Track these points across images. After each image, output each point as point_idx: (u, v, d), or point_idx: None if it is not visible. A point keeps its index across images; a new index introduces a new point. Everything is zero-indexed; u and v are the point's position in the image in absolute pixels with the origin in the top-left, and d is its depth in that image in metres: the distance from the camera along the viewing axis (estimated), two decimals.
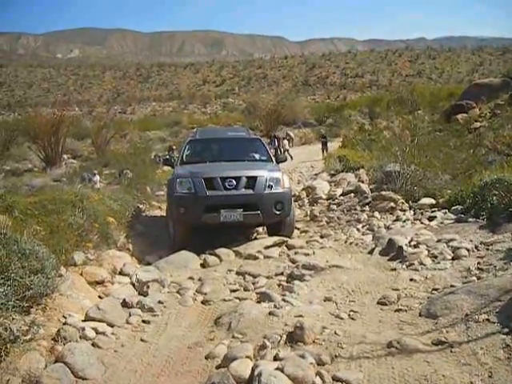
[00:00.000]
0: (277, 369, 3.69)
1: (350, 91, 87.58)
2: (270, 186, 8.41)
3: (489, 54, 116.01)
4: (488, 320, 4.21)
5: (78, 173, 19.58)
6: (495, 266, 5.46)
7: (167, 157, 10.77)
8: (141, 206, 12.47)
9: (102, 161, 24.03)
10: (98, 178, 17.38)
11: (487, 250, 6.19)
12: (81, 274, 6.44)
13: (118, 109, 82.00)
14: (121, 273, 7.06)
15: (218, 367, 4.17)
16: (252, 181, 8.35)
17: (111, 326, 5.17)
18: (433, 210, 9.18)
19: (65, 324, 4.92)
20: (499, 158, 12.41)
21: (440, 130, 20.76)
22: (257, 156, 10.05)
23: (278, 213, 8.42)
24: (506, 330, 3.97)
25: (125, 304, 5.75)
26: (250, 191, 8.31)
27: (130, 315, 5.51)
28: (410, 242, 7.11)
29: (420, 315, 4.77)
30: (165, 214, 10.57)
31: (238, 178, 8.31)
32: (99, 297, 6.06)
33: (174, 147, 31.76)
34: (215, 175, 8.35)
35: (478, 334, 4.05)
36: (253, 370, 3.79)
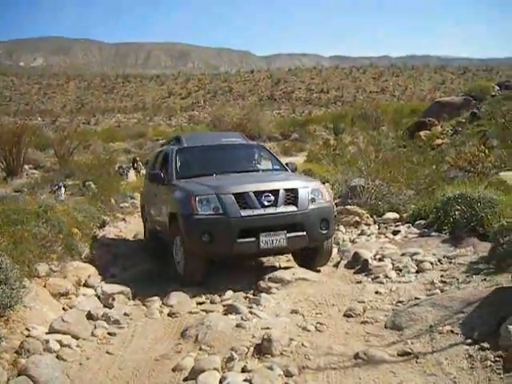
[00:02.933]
0: (245, 380, 3.71)
1: (315, 106, 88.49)
2: (313, 200, 6.88)
3: (450, 72, 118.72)
4: (452, 331, 4.31)
5: (39, 184, 19.28)
6: (458, 279, 5.59)
7: (155, 170, 8.80)
8: (105, 218, 12.34)
9: (64, 172, 23.68)
10: (63, 189, 17.14)
11: (450, 263, 6.33)
12: (44, 286, 6.33)
13: (81, 119, 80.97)
14: (85, 285, 6.97)
15: (185, 379, 4.15)
16: (292, 194, 6.77)
17: (76, 338, 5.10)
18: (397, 224, 9.35)
19: (28, 336, 4.86)
20: (461, 174, 12.69)
21: (404, 146, 21.11)
22: (267, 165, 8.59)
23: (324, 232, 6.86)
24: (469, 340, 4.07)
25: (90, 316, 5.69)
26: (293, 208, 6.69)
27: (95, 327, 5.44)
28: (375, 256, 7.22)
29: (385, 327, 4.85)
30: (143, 234, 10.33)
31: (275, 192, 6.69)
32: (63, 309, 5.97)
33: (138, 159, 31.59)
34: (247, 189, 6.65)
35: (442, 345, 4.14)
36: (221, 382, 3.79)
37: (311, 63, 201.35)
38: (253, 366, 4.09)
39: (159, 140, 51.05)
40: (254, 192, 6.60)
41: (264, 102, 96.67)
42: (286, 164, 8.58)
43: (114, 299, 6.32)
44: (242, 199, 6.53)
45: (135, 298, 6.62)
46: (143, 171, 29.65)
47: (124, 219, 13.96)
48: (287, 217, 6.60)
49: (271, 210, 6.55)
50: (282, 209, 6.61)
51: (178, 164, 8.07)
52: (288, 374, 3.94)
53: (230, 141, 9.19)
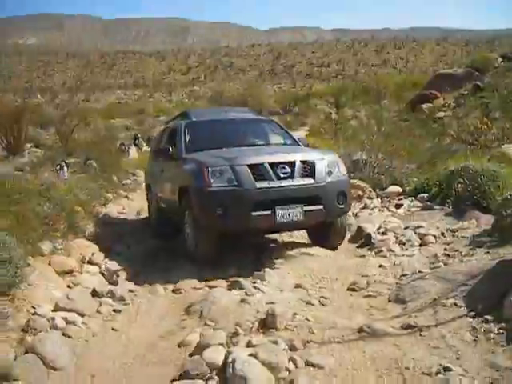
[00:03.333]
0: (250, 355, 3.72)
1: (316, 80, 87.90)
2: (330, 173, 6.61)
3: (452, 44, 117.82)
4: (455, 304, 4.32)
5: (41, 162, 19.24)
6: (461, 252, 5.60)
7: (162, 146, 8.57)
8: (108, 195, 12.36)
9: (66, 150, 23.65)
10: (66, 169, 17.12)
11: (453, 236, 6.34)
12: (49, 264, 6.32)
13: (81, 97, 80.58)
14: (89, 262, 6.95)
15: (190, 355, 4.16)
16: (309, 167, 6.48)
17: (81, 315, 5.11)
18: (399, 197, 9.36)
19: (34, 314, 4.86)
20: (463, 146, 12.64)
21: (405, 119, 21.01)
22: (279, 140, 8.25)
23: (341, 207, 6.60)
24: (473, 313, 4.08)
25: (95, 293, 5.71)
26: (310, 180, 6.41)
27: (100, 304, 5.46)
28: (378, 229, 7.24)
29: (389, 301, 4.87)
30: (147, 211, 10.21)
31: (291, 164, 6.40)
32: (68, 286, 5.97)
33: (140, 135, 31.50)
34: (262, 161, 6.35)
35: (445, 318, 4.15)
36: (226, 356, 3.81)
37: (312, 37, 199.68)
38: (258, 340, 4.10)
39: (160, 116, 51.06)
40: (270, 163, 6.31)
41: (265, 76, 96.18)
42: (298, 139, 8.35)
43: (118, 276, 6.36)
44: (256, 171, 6.24)
45: (140, 275, 6.65)
46: (145, 148, 29.65)
47: (127, 196, 14.00)
48: (304, 189, 6.34)
49: (287, 183, 6.28)
50: (298, 181, 6.35)
51: (187, 138, 7.74)
52: (293, 348, 3.96)
53: (240, 115, 8.99)
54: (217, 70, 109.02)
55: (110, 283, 6.21)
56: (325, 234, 6.99)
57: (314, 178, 6.42)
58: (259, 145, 7.90)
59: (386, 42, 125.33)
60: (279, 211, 6.13)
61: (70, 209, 8.04)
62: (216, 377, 3.68)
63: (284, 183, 6.25)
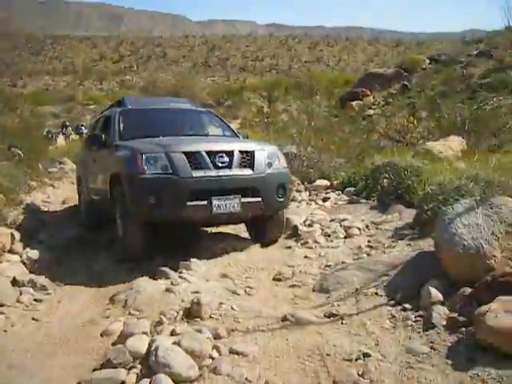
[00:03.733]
0: (174, 343, 3.69)
1: (250, 74, 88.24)
2: (270, 164, 6.41)
3: (384, 45, 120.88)
4: (376, 293, 4.45)
5: None
6: (384, 244, 5.76)
7: (95, 133, 8.14)
8: (32, 183, 11.96)
9: None
10: None
11: (377, 229, 6.51)
12: None
13: (7, 81, 77.44)
14: (10, 251, 6.72)
15: (114, 344, 4.09)
16: (248, 157, 6.26)
17: (0, 305, 4.95)
18: (327, 191, 9.53)
19: None
20: (390, 143, 13.01)
21: (336, 115, 21.41)
22: (218, 131, 8.06)
23: (280, 200, 6.40)
24: (392, 302, 4.22)
25: (15, 282, 5.53)
26: (249, 171, 6.18)
27: (20, 294, 5.31)
28: (304, 222, 7.33)
29: (313, 290, 4.96)
30: (74, 201, 9.86)
31: (230, 153, 6.15)
32: None
33: (68, 123, 30.67)
34: (199, 149, 6.07)
35: (366, 307, 4.27)
36: (149, 345, 3.77)
37: (247, 30, 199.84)
38: (182, 329, 4.07)
39: (90, 105, 49.85)
40: (207, 152, 6.04)
41: (198, 68, 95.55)
42: (238, 132, 8.21)
43: (40, 265, 6.16)
44: (193, 159, 5.95)
45: (63, 263, 6.49)
46: (72, 136, 28.87)
47: (52, 185, 13.63)
48: (242, 180, 6.11)
49: (225, 172, 6.02)
50: (236, 171, 6.10)
51: (122, 126, 7.36)
52: (217, 337, 3.96)
53: (178, 105, 8.70)
54: (150, 59, 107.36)
55: (31, 272, 6.01)
56: (262, 227, 6.77)
57: (252, 169, 6.20)
58: (197, 135, 7.63)
59: (319, 39, 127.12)
60: (216, 202, 5.88)
61: None
62: (139, 365, 3.62)
63: (221, 173, 6.00)
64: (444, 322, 3.66)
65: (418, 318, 3.87)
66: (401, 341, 3.66)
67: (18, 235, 7.26)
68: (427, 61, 26.55)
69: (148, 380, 3.35)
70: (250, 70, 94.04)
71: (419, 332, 3.70)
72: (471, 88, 18.94)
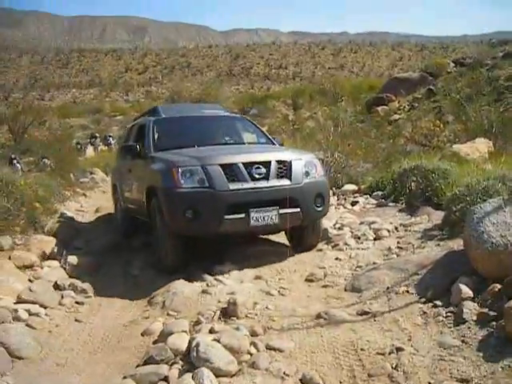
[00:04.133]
0: (213, 340, 3.86)
1: (274, 82, 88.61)
2: (307, 174, 6.31)
3: (408, 49, 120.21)
4: (407, 291, 4.57)
5: None
6: (413, 245, 5.86)
7: (130, 143, 8.09)
8: (66, 193, 12.29)
9: (20, 148, 23.25)
10: (19, 165, 16.86)
11: (406, 230, 6.60)
12: (9, 259, 6.34)
13: (35, 95, 78.92)
14: (49, 257, 6.96)
15: (154, 342, 4.29)
16: (285, 167, 6.16)
17: (44, 307, 5.19)
18: (355, 195, 9.63)
19: None
20: (417, 148, 13.05)
21: (362, 120, 21.47)
22: (253, 137, 7.98)
23: (319, 209, 6.31)
24: (423, 299, 4.34)
25: (57, 286, 5.78)
26: (287, 181, 6.07)
27: (62, 297, 5.54)
28: (334, 225, 7.47)
29: (345, 290, 5.09)
30: (113, 209, 9.88)
31: (267, 164, 6.05)
32: (29, 280, 5.99)
33: (97, 135, 31.23)
34: (236, 160, 5.99)
35: (398, 304, 4.39)
36: (190, 342, 3.94)
37: (270, 39, 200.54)
38: (220, 328, 4.24)
39: (116, 116, 50.56)
40: (244, 163, 5.95)
41: (222, 77, 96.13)
42: (273, 138, 8.12)
43: (79, 270, 6.40)
44: (230, 171, 5.87)
45: (101, 269, 6.72)
46: (101, 147, 29.38)
47: (84, 194, 13.97)
48: (280, 191, 5.95)
49: (262, 184, 5.93)
50: (274, 182, 6.00)
51: (156, 135, 7.33)
52: (254, 334, 4.12)
53: (212, 112, 8.59)
54: (174, 70, 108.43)
55: (71, 277, 6.24)
56: (301, 236, 6.68)
57: (290, 179, 6.11)
58: (232, 143, 7.62)
59: (343, 45, 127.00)
60: (253, 214, 5.79)
61: (30, 204, 8.01)
62: (180, 361, 3.80)
63: (259, 184, 5.91)
64: (474, 317, 3.76)
65: (449, 314, 3.98)
66: (432, 335, 3.77)
67: (55, 242, 7.54)
68: (452, 64, 26.44)
69: (190, 374, 3.51)
70: (274, 78, 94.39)
71: (450, 327, 3.82)
72: (497, 90, 18.83)
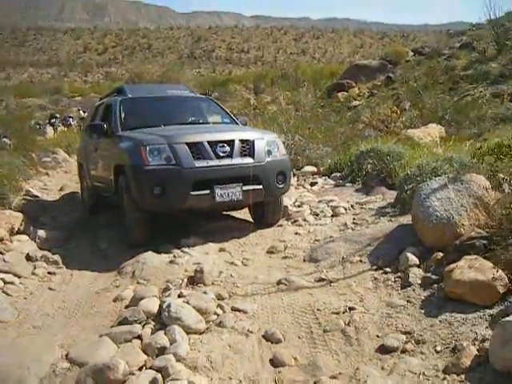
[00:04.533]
0: (183, 302, 4.20)
1: (236, 66, 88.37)
2: (269, 152, 6.68)
3: (369, 37, 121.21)
4: (361, 261, 4.99)
5: None
6: (367, 221, 6.29)
7: (96, 122, 8.16)
8: (29, 172, 12.35)
9: None
10: None
11: (361, 208, 7.04)
12: None
13: None
14: (18, 232, 7.15)
15: (126, 307, 4.57)
16: (248, 146, 6.51)
17: (18, 277, 5.40)
18: (314, 176, 10.05)
19: None
20: (374, 133, 13.55)
21: (322, 106, 21.92)
22: (217, 118, 8.31)
23: (281, 186, 6.67)
24: (375, 267, 4.77)
25: (29, 258, 6.01)
26: (250, 159, 6.43)
27: (35, 267, 5.77)
28: (294, 203, 7.85)
29: (304, 260, 5.48)
30: (78, 187, 10.13)
31: (231, 143, 6.39)
32: (0, 253, 6.19)
33: (57, 115, 30.88)
34: (201, 139, 6.29)
35: (352, 272, 4.81)
36: (160, 305, 4.26)
37: (232, 22, 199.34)
38: (188, 293, 4.57)
39: (75, 97, 49.86)
40: (209, 142, 6.26)
41: (184, 60, 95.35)
42: (236, 118, 8.43)
43: (49, 243, 6.63)
44: (195, 149, 6.17)
45: (70, 243, 6.96)
46: (61, 128, 29.08)
47: (47, 173, 14.02)
48: (243, 168, 6.32)
49: (227, 162, 6.25)
50: (237, 160, 6.34)
51: (123, 115, 7.52)
52: (220, 298, 4.48)
53: (177, 92, 8.82)
54: (134, 51, 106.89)
55: (41, 249, 6.45)
56: (263, 212, 7.03)
57: (253, 158, 6.44)
58: (197, 123, 7.89)
59: (304, 31, 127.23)
60: (218, 191, 6.12)
61: None
62: (152, 322, 4.11)
63: (223, 162, 6.23)
64: (419, 281, 4.20)
65: (397, 279, 4.42)
66: (382, 297, 4.20)
67: (23, 218, 7.69)
68: (411, 53, 27.08)
69: (162, 331, 3.83)
70: (236, 62, 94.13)
71: (398, 290, 4.25)
72: (453, 79, 19.48)
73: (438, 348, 3.27)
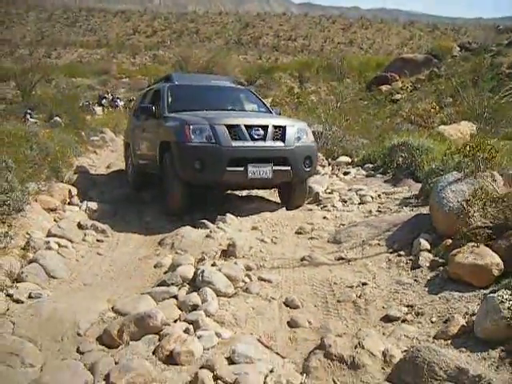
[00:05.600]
0: (215, 269, 4.76)
1: (282, 54, 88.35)
2: (299, 138, 7.35)
3: (419, 29, 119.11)
4: (378, 244, 5.46)
5: (2, 115, 19.49)
6: (391, 209, 6.74)
7: (146, 104, 8.92)
8: (80, 149, 13.10)
9: (28, 105, 23.83)
10: (33, 120, 17.58)
11: (387, 198, 7.48)
12: (35, 201, 7.19)
13: (42, 52, 78.83)
14: (70, 203, 7.86)
15: (165, 272, 5.18)
16: (280, 131, 7.18)
17: (71, 241, 6.06)
18: (348, 166, 10.47)
19: (30, 238, 5.75)
20: (412, 127, 13.84)
21: (363, 98, 22.17)
22: (254, 107, 8.99)
23: (307, 169, 7.36)
24: (391, 250, 5.23)
25: (80, 226, 6.67)
26: (281, 143, 7.13)
27: (85, 235, 6.42)
28: (325, 190, 8.33)
29: (328, 241, 5.96)
30: (124, 166, 10.99)
31: (265, 127, 7.07)
32: (55, 220, 6.84)
33: (106, 95, 31.86)
34: (239, 122, 7.02)
35: (369, 253, 5.28)
36: (195, 272, 4.83)
37: (281, 9, 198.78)
38: (220, 263, 5.14)
39: (123, 78, 50.88)
40: (245, 125, 6.96)
41: (231, 45, 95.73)
42: (272, 108, 9.15)
43: (98, 214, 7.28)
44: (233, 131, 6.87)
45: (116, 214, 7.61)
46: (109, 108, 30.01)
47: (95, 152, 14.76)
48: (274, 151, 7.06)
49: (260, 144, 6.97)
50: (270, 143, 7.04)
51: (170, 99, 8.28)
52: (248, 269, 5.03)
53: (220, 83, 9.69)
54: (182, 35, 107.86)
55: (91, 219, 7.11)
56: (290, 194, 7.70)
57: (283, 142, 7.13)
58: (236, 110, 8.57)
59: (353, 20, 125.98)
60: (251, 168, 6.82)
61: (53, 155, 8.84)
62: (187, 285, 4.69)
63: (257, 144, 6.95)
64: (428, 264, 4.66)
65: (409, 261, 4.88)
66: (392, 276, 4.68)
67: (75, 190, 8.38)
68: (457, 48, 26.97)
69: (196, 293, 4.40)
70: (283, 50, 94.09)
71: (407, 270, 4.72)
72: (498, 77, 19.46)
73: (434, 319, 3.75)
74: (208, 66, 42.42)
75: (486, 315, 3.24)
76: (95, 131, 18.05)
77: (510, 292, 3.26)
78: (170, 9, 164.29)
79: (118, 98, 32.23)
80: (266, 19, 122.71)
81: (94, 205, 7.64)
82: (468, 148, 5.45)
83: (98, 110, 27.90)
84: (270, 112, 8.75)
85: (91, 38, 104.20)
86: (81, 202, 8.00)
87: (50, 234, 6.08)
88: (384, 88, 24.35)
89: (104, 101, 29.73)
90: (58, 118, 17.88)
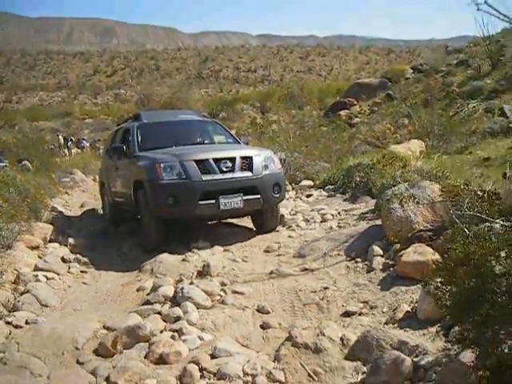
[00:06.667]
0: (194, 286, 5.32)
1: (243, 85, 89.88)
2: (266, 167, 7.71)
3: (375, 53, 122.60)
4: (338, 254, 6.10)
5: None
6: (349, 224, 7.40)
7: (117, 144, 9.27)
8: (53, 191, 13.53)
9: None
10: (2, 164, 17.88)
11: (346, 214, 8.15)
12: (18, 241, 7.63)
13: (2, 97, 78.67)
14: (51, 240, 8.31)
15: (148, 294, 5.69)
16: (247, 162, 7.55)
17: (57, 274, 6.53)
18: (310, 189, 11.17)
19: (19, 273, 6.22)
20: (370, 148, 14.66)
21: (324, 124, 23.06)
22: (222, 138, 9.40)
23: (276, 196, 7.73)
24: (349, 258, 5.88)
25: (64, 260, 7.14)
26: (249, 173, 7.49)
27: (69, 268, 6.90)
28: (290, 212, 8.98)
29: (293, 256, 6.57)
30: (99, 204, 11.45)
31: (232, 159, 7.44)
32: (39, 257, 7.29)
33: (72, 138, 32.24)
34: (207, 157, 7.38)
35: (330, 263, 5.91)
36: (175, 291, 5.37)
37: (239, 41, 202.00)
38: (197, 281, 5.70)
39: (86, 119, 51.12)
40: (214, 159, 7.32)
41: (192, 80, 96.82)
42: (239, 138, 9.62)
43: (79, 249, 7.78)
44: (202, 166, 7.22)
45: (96, 249, 8.11)
46: (74, 150, 30.40)
47: (67, 192, 15.16)
48: (243, 181, 7.38)
49: (229, 175, 7.31)
50: (238, 174, 7.38)
51: (140, 138, 8.62)
52: (223, 284, 5.61)
53: (187, 117, 9.95)
54: (143, 73, 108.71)
55: (73, 253, 7.58)
56: (262, 219, 8.05)
57: (251, 171, 7.50)
58: (204, 143, 9.05)
59: (310, 49, 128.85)
60: (222, 200, 7.17)
61: (32, 197, 9.29)
62: (169, 302, 5.23)
63: (226, 176, 7.30)
64: (380, 267, 5.31)
65: (364, 266, 5.52)
66: (351, 279, 5.31)
67: (54, 229, 8.83)
68: (410, 70, 28.17)
69: (178, 307, 4.95)
70: (243, 82, 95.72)
71: (363, 274, 5.37)
72: (450, 96, 20.55)
73: (385, 310, 4.39)
74: (171, 102, 43.01)
75: (424, 300, 3.87)
76: (65, 173, 18.46)
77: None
78: (129, 47, 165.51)
79: (83, 139, 32.71)
80: (224, 52, 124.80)
81: (73, 240, 8.13)
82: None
83: (65, 152, 28.30)
84: (238, 142, 9.16)
85: (51, 80, 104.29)
86: (61, 238, 8.45)
87: (37, 268, 6.54)
88: (343, 113, 25.24)
89: (70, 143, 30.11)
90: (26, 162, 18.22)
